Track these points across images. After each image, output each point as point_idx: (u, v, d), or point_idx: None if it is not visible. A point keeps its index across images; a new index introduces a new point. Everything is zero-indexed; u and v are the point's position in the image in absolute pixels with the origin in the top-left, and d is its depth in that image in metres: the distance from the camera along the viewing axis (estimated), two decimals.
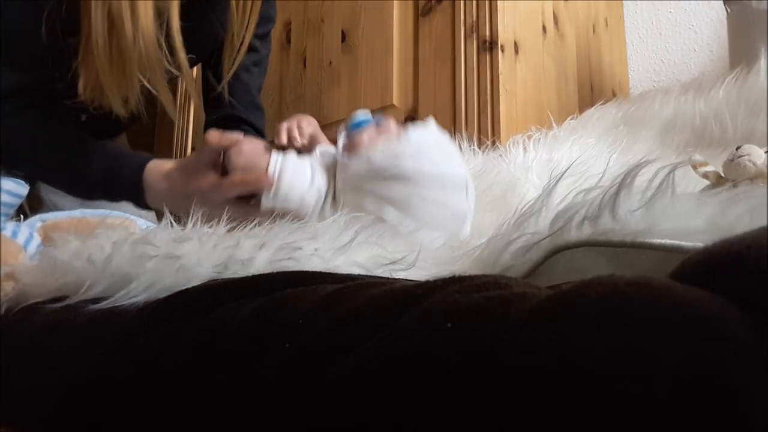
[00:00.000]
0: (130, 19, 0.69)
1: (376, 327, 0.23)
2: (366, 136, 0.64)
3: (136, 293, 0.39)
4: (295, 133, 0.78)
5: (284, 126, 0.79)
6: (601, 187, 0.31)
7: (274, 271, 0.38)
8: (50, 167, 0.82)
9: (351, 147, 0.64)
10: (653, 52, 1.46)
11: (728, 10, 1.03)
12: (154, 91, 0.76)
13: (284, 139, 0.78)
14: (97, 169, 0.78)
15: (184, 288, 0.37)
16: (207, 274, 0.39)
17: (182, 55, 0.74)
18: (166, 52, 0.75)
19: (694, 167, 0.58)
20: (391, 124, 0.68)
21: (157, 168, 0.77)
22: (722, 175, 0.56)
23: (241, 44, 0.90)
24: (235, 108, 1.04)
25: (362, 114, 0.69)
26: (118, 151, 0.83)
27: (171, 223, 0.52)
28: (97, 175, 0.78)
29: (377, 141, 0.63)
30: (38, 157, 0.81)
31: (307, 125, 0.80)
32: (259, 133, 1.06)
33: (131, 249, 0.44)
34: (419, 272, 0.40)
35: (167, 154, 1.67)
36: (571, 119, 1.01)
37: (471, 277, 0.26)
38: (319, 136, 0.80)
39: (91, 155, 0.80)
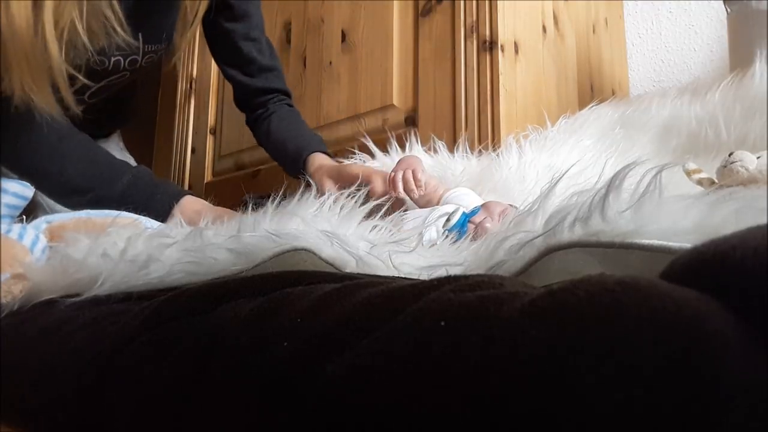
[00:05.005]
0: (4, 9, 0.69)
1: (373, 325, 0.24)
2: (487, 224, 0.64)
3: (153, 279, 0.40)
4: (412, 185, 0.78)
5: (399, 177, 0.79)
6: (593, 190, 0.31)
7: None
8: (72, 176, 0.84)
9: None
10: (653, 52, 1.47)
11: (728, 10, 1.04)
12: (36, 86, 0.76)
13: (401, 192, 0.78)
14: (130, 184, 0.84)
15: (187, 286, 0.38)
16: (224, 258, 0.40)
17: (54, 51, 0.74)
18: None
19: (688, 174, 0.58)
20: (489, 214, 0.67)
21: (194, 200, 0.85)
22: (715, 181, 0.57)
23: (194, 18, 0.91)
24: (252, 86, 1.08)
25: (456, 214, 0.69)
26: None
27: (181, 222, 0.53)
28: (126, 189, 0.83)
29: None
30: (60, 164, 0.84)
31: (421, 174, 0.80)
32: (282, 92, 1.10)
33: (146, 242, 0.44)
34: (420, 260, 0.41)
35: (167, 154, 1.68)
36: (564, 119, 1.01)
37: (466, 277, 0.26)
38: (438, 186, 0.81)
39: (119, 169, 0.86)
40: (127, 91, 1.08)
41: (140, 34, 0.90)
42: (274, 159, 1.12)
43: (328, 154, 1.02)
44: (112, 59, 0.89)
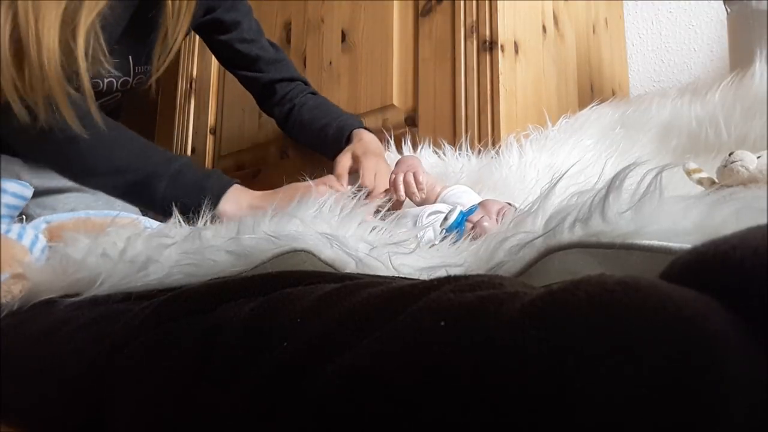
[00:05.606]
0: (35, 48, 0.72)
1: (373, 325, 0.24)
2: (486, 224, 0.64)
3: (152, 280, 0.41)
4: (414, 188, 0.79)
5: (400, 180, 0.79)
6: (593, 190, 0.31)
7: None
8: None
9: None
10: (653, 52, 1.47)
11: (728, 10, 1.04)
12: (54, 104, 0.78)
13: (402, 195, 0.79)
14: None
15: (186, 286, 0.37)
16: (224, 260, 0.40)
17: (85, 78, 0.78)
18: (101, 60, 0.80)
19: (689, 173, 0.58)
20: (486, 213, 0.67)
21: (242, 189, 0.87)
22: (716, 180, 0.56)
23: (174, 42, 0.93)
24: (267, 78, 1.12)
25: (453, 213, 0.68)
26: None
27: (180, 222, 0.53)
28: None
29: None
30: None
31: (422, 175, 0.80)
32: (298, 80, 1.15)
33: (145, 243, 0.44)
34: (420, 261, 0.41)
35: None
36: (565, 119, 1.01)
37: (466, 277, 0.26)
38: (435, 184, 0.82)
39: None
40: (114, 114, 1.09)
41: (130, 57, 0.93)
42: (313, 148, 1.13)
43: (368, 130, 1.03)
44: (105, 80, 0.92)
